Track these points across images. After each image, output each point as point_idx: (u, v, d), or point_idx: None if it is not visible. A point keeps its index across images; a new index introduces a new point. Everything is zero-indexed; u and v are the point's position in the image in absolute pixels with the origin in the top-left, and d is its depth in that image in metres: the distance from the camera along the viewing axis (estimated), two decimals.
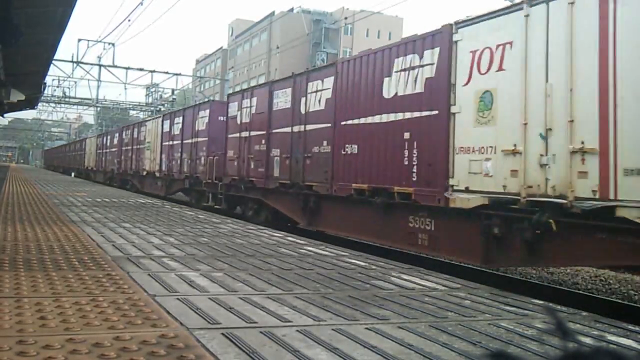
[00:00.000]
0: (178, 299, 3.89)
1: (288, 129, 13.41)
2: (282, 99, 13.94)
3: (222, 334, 3.08)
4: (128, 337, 2.91)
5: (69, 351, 2.66)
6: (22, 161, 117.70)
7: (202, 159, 18.96)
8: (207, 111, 19.38)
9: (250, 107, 15.54)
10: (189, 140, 20.49)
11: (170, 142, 22.83)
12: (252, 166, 15.01)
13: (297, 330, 3.22)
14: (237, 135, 16.15)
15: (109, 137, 36.56)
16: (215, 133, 18.26)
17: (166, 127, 23.74)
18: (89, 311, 3.40)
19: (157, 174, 24.41)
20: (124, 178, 31.12)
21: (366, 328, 3.36)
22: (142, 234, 7.70)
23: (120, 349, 2.71)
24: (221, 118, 18.15)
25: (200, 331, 3.12)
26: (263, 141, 14.52)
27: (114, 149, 34.15)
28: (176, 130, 22.26)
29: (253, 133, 15.18)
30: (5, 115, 32.19)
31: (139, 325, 3.17)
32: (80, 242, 6.56)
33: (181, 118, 21.89)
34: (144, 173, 26.52)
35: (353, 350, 2.91)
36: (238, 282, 4.62)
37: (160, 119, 25.04)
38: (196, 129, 19.97)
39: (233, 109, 16.73)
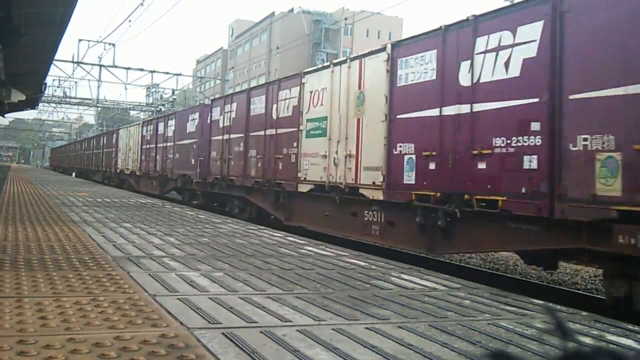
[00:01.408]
0: (178, 298, 3.89)
1: None
2: None
3: (223, 333, 3.09)
4: (128, 336, 2.91)
5: (69, 351, 2.66)
6: (22, 161, 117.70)
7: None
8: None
9: None
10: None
11: (463, 110, 7.92)
12: None
13: (298, 330, 3.23)
14: None
15: (170, 123, 22.59)
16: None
17: (408, 76, 9.03)
18: (90, 311, 3.40)
19: (374, 196, 9.81)
20: (217, 192, 17.31)
21: (366, 328, 3.36)
22: (142, 234, 7.70)
23: (120, 349, 2.72)
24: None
25: (201, 331, 3.12)
26: None
27: (184, 142, 20.54)
28: (468, 77, 7.78)
29: None
30: (5, 115, 32.22)
31: (140, 325, 3.18)
32: (80, 242, 6.56)
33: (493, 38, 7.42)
34: (304, 189, 12.26)
35: (353, 350, 2.91)
36: (238, 282, 4.62)
37: (385, 58, 9.61)
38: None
39: None
